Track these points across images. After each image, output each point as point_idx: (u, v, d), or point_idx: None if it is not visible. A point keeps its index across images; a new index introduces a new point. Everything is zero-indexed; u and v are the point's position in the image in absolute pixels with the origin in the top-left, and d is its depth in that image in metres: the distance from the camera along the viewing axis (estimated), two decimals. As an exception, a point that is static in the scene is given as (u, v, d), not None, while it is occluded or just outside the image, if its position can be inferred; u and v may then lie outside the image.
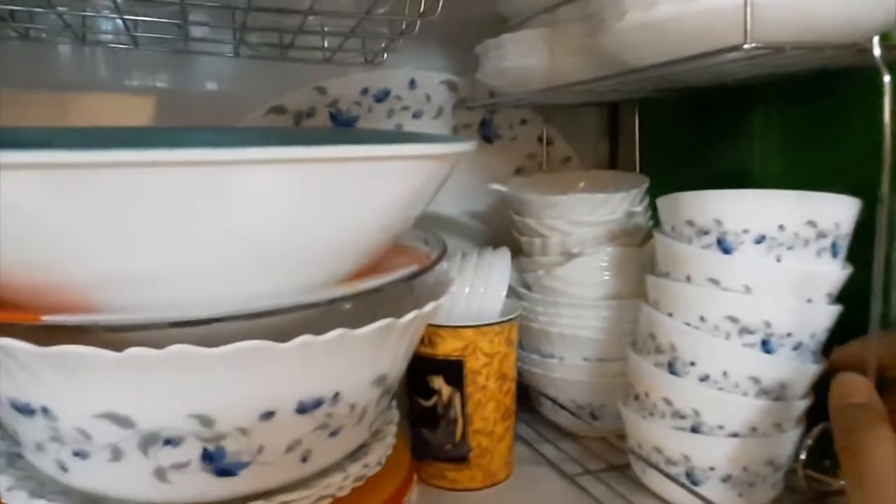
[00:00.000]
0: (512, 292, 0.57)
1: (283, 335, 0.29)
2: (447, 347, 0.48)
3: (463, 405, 0.49)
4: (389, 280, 0.34)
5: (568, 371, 0.56)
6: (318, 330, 0.30)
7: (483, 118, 0.70)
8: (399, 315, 0.34)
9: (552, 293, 0.56)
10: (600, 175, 0.65)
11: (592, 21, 0.43)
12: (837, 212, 0.41)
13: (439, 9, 0.42)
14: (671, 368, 0.44)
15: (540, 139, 0.72)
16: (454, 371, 0.49)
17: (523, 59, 0.51)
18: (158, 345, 0.28)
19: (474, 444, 0.50)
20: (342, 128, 0.62)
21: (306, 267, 0.32)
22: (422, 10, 0.43)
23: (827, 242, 0.41)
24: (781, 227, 0.40)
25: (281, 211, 0.29)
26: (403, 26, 0.46)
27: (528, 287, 0.59)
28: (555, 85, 0.50)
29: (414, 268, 0.37)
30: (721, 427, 0.42)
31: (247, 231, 0.29)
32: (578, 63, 0.48)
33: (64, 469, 0.32)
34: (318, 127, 0.61)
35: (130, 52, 0.56)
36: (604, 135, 0.77)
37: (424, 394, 0.50)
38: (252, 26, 0.46)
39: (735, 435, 0.42)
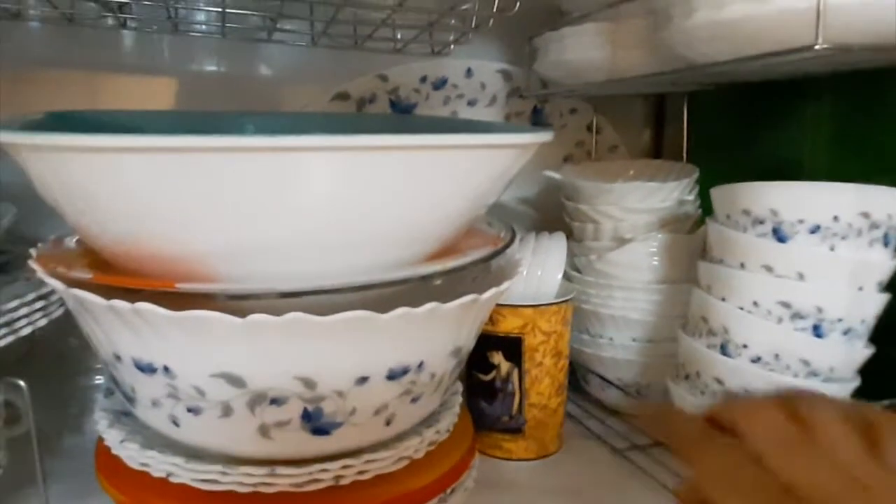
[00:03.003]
0: (564, 275, 0.59)
1: (370, 308, 0.32)
2: (508, 325, 0.51)
3: (520, 380, 0.52)
4: (474, 259, 0.37)
5: (617, 351, 0.59)
6: (404, 304, 0.33)
7: (535, 107, 0.72)
8: (479, 291, 0.36)
9: (604, 276, 0.59)
10: (649, 164, 0.67)
11: (656, 17, 0.45)
12: (891, 204, 0.43)
13: (517, 6, 0.45)
14: (723, 350, 0.46)
15: (589, 128, 0.74)
16: (513, 347, 0.52)
17: (585, 51, 0.53)
18: (270, 312, 0.31)
19: (529, 416, 0.53)
20: (411, 115, 0.65)
21: (399, 245, 0.35)
22: (497, 7, 0.45)
23: (879, 233, 0.43)
24: (836, 218, 0.42)
25: (382, 194, 0.32)
26: (474, 23, 0.48)
27: (578, 270, 0.62)
28: (616, 78, 0.52)
29: (492, 248, 0.40)
30: (771, 406, 0.44)
31: (350, 212, 0.32)
32: (640, 57, 0.50)
33: (176, 424, 0.35)
34: (386, 114, 0.64)
35: (192, 38, 0.59)
36: (650, 124, 0.79)
37: (484, 368, 0.53)
38: (337, 20, 0.49)
39: (784, 414, 0.44)
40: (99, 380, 0.53)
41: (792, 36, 0.34)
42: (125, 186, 0.28)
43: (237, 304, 0.32)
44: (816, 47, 0.33)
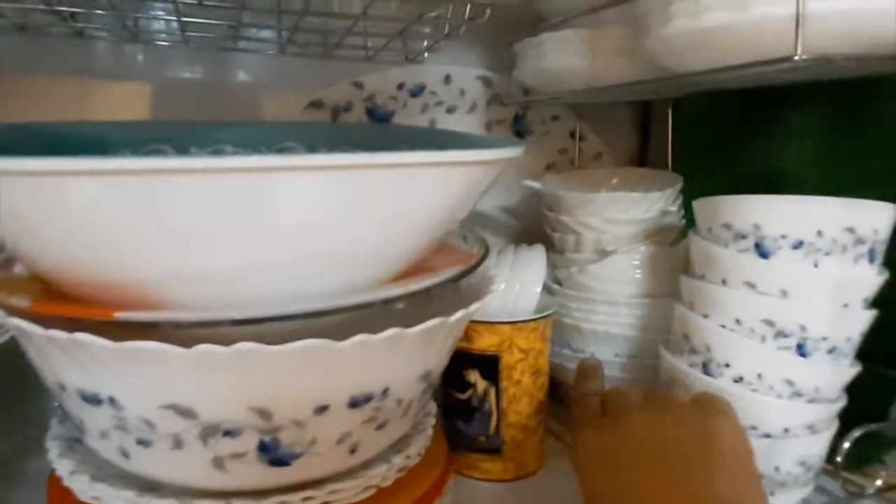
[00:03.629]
0: (544, 288, 0.58)
1: (330, 333, 0.30)
2: (484, 342, 0.50)
3: (498, 399, 0.51)
4: (440, 280, 0.35)
5: (599, 367, 0.57)
6: (363, 328, 0.31)
7: (516, 114, 0.70)
8: (446, 313, 0.35)
9: (585, 290, 0.57)
10: (633, 172, 0.66)
11: (636, 24, 0.44)
12: (877, 218, 0.41)
13: (487, 14, 0.43)
14: (706, 369, 0.45)
15: (572, 135, 0.72)
16: (490, 366, 0.50)
17: (564, 58, 0.52)
18: (220, 340, 0.29)
19: (508, 436, 0.51)
20: (387, 124, 0.63)
21: (358, 267, 0.33)
22: (469, 15, 0.44)
23: (865, 248, 0.41)
24: (820, 233, 0.41)
25: (337, 214, 0.30)
26: (446, 31, 0.47)
27: (559, 283, 0.60)
28: (596, 86, 0.50)
29: (461, 267, 0.38)
30: (754, 428, 0.43)
31: (302, 233, 0.30)
32: (620, 65, 0.49)
33: (126, 455, 0.34)
34: (362, 123, 0.62)
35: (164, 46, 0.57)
36: (635, 131, 0.78)
37: (460, 387, 0.51)
38: (301, 28, 0.47)
39: (768, 436, 0.43)
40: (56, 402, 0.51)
41: (771, 46, 0.33)
42: (62, 211, 0.26)
43: (186, 332, 0.30)
44: (796, 58, 0.32)
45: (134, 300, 0.30)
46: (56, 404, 0.53)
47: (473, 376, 0.50)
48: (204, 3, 0.41)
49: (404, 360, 0.35)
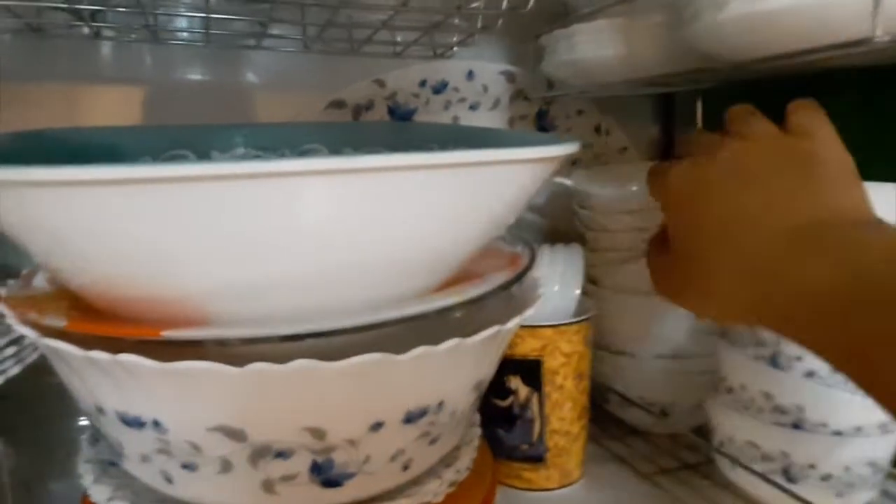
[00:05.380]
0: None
1: (383, 346, 0.28)
2: (525, 347, 0.48)
3: (541, 405, 0.49)
4: (495, 286, 0.33)
5: (640, 368, 0.55)
6: (416, 339, 0.29)
7: (539, 109, 0.68)
8: (501, 320, 0.33)
9: (622, 289, 0.55)
10: (664, 166, 0.64)
11: (679, 12, 0.42)
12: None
13: (530, 4, 0.41)
14: (774, 362, 0.43)
15: (596, 129, 0.70)
16: (532, 371, 0.48)
17: (597, 49, 0.50)
18: (267, 357, 0.27)
19: (551, 444, 0.49)
20: (412, 122, 0.61)
21: (413, 275, 0.31)
22: (508, 5, 0.41)
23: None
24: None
25: (395, 219, 0.28)
26: (480, 24, 0.45)
27: (594, 282, 0.58)
28: (632, 78, 0.48)
29: (511, 272, 0.36)
30: (825, 425, 0.41)
31: (359, 241, 0.28)
32: (659, 55, 0.46)
33: (169, 480, 0.32)
34: (385, 122, 0.60)
35: (177, 45, 0.55)
36: (657, 124, 0.76)
37: (501, 394, 0.49)
38: (333, 22, 0.45)
39: (839, 433, 0.41)
40: (83, 421, 0.49)
41: (844, 28, 0.31)
42: (100, 223, 0.24)
43: (231, 349, 0.28)
44: (875, 39, 0.30)
45: (175, 316, 0.28)
46: (84, 423, 0.51)
47: (515, 382, 0.48)
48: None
49: (460, 370, 0.33)
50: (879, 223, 0.31)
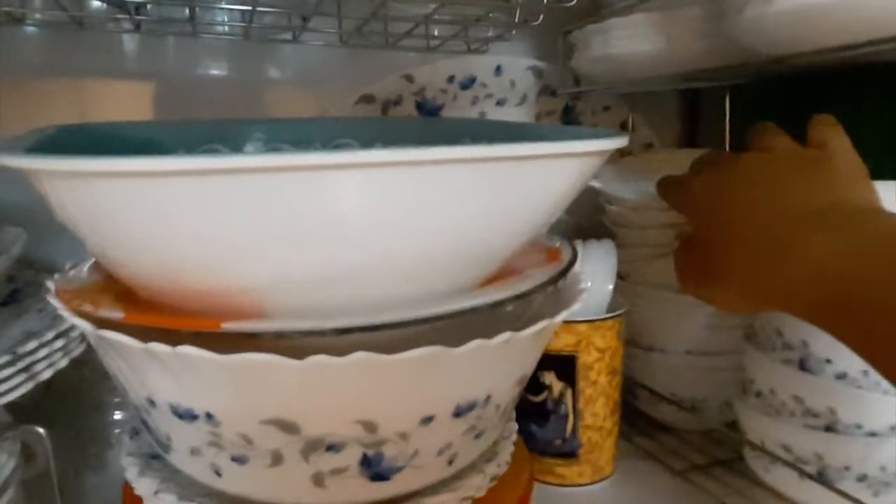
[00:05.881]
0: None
1: (433, 339, 0.28)
2: (560, 343, 0.47)
3: (574, 401, 0.49)
4: (544, 280, 0.33)
5: (670, 364, 0.55)
6: (467, 333, 0.29)
7: (566, 105, 0.68)
8: (550, 314, 0.33)
9: (653, 285, 0.55)
10: (691, 155, 0.63)
11: (720, 4, 0.41)
12: None
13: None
14: (803, 365, 0.42)
15: (623, 125, 0.70)
16: (566, 366, 0.48)
17: (633, 44, 0.49)
18: (324, 350, 0.27)
19: (584, 439, 0.49)
20: (442, 118, 0.61)
21: (465, 269, 0.31)
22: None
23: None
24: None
25: (451, 212, 0.28)
26: (518, 17, 0.44)
27: (623, 277, 0.58)
28: (669, 73, 0.48)
29: (557, 266, 0.36)
30: (859, 426, 0.41)
31: (414, 234, 0.28)
32: (698, 49, 0.46)
33: (218, 474, 0.31)
34: (414, 117, 0.60)
35: (202, 40, 0.55)
36: (682, 119, 0.76)
37: (534, 389, 0.49)
38: (377, 15, 0.45)
39: (873, 434, 0.41)
40: (118, 415, 0.50)
41: (886, 21, 0.31)
42: (158, 213, 0.24)
43: (286, 342, 0.28)
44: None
45: (231, 308, 0.28)
46: (118, 417, 0.52)
47: (549, 378, 0.48)
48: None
49: (508, 364, 0.33)
50: (885, 211, 0.34)
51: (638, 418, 0.59)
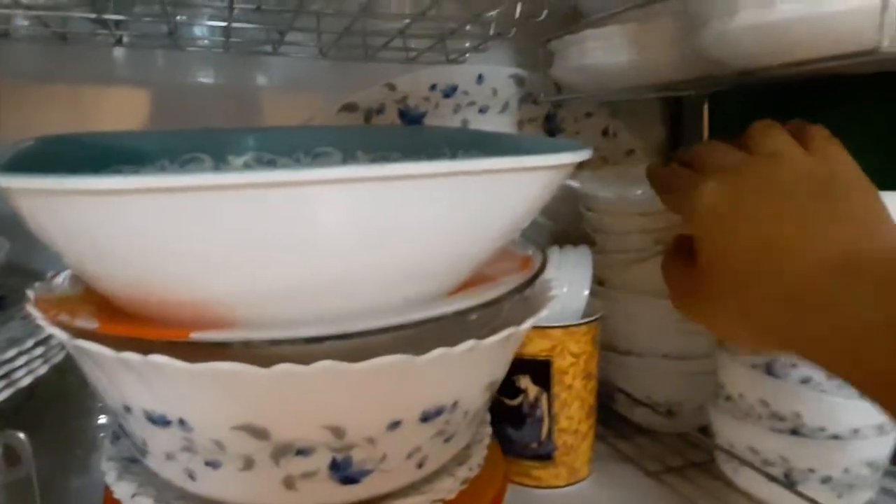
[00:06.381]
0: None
1: (401, 347, 0.29)
2: (535, 348, 0.48)
3: (549, 405, 0.50)
4: (510, 289, 0.34)
5: (646, 368, 0.56)
6: (434, 341, 0.30)
7: (548, 112, 0.69)
8: (516, 322, 0.34)
9: (630, 290, 0.56)
10: (670, 168, 0.64)
11: (689, 18, 0.42)
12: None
13: (544, 14, 0.42)
14: (769, 370, 0.43)
15: (604, 132, 0.71)
16: (541, 371, 0.49)
17: (608, 56, 0.50)
18: (292, 359, 0.28)
19: (559, 442, 0.50)
20: (423, 126, 0.62)
21: (430, 278, 0.32)
22: (521, 13, 0.42)
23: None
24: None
25: (415, 225, 0.29)
26: (493, 31, 0.46)
27: (602, 283, 0.59)
28: (643, 83, 0.49)
29: (526, 274, 0.37)
30: (822, 429, 0.42)
31: (380, 246, 0.29)
32: (670, 61, 0.47)
33: (192, 477, 0.32)
34: (397, 126, 0.61)
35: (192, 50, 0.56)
36: (664, 125, 0.77)
37: (510, 393, 0.50)
38: (351, 30, 0.46)
39: (836, 437, 0.42)
40: (102, 420, 0.51)
41: (851, 38, 0.32)
42: (133, 229, 0.25)
43: (255, 351, 0.29)
44: (881, 50, 0.30)
45: (203, 318, 0.29)
46: (102, 422, 0.53)
47: (524, 382, 0.49)
48: (262, 7, 0.39)
49: (475, 371, 0.34)
50: None
51: (616, 421, 0.60)
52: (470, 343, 0.30)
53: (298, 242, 0.28)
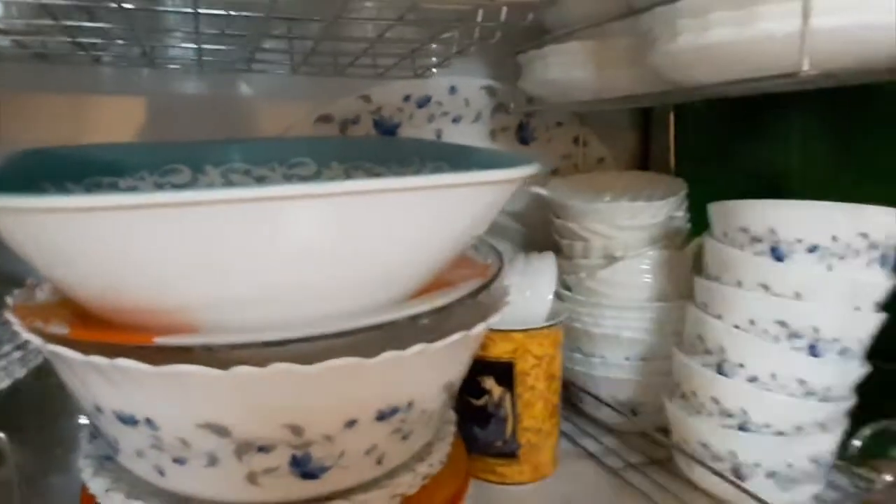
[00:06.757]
0: (554, 294, 0.59)
1: (357, 349, 0.31)
2: (498, 350, 0.51)
3: (513, 405, 0.52)
4: (461, 295, 0.36)
5: (610, 370, 0.58)
6: (389, 344, 0.32)
7: (520, 122, 0.71)
8: (467, 326, 0.36)
9: (595, 295, 0.58)
10: (638, 176, 0.67)
11: (641, 38, 0.45)
12: (889, 224, 0.42)
13: (497, 36, 0.44)
14: (720, 369, 0.46)
15: (575, 141, 0.73)
16: (505, 372, 0.51)
17: (569, 70, 0.53)
18: (252, 362, 0.30)
19: (523, 440, 0.52)
20: (396, 137, 0.64)
21: (384, 286, 0.34)
22: (479, 35, 0.45)
23: (877, 254, 0.42)
24: (834, 238, 0.42)
25: (365, 238, 0.31)
26: (455, 49, 0.48)
27: (569, 288, 0.61)
28: (602, 97, 0.51)
29: (479, 280, 0.39)
30: (768, 426, 0.44)
31: (333, 258, 0.31)
32: (625, 76, 0.49)
33: (161, 473, 0.34)
34: (371, 137, 0.63)
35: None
36: (636, 135, 0.79)
37: (476, 393, 0.52)
38: (316, 51, 0.48)
39: (781, 433, 0.44)
40: (83, 420, 0.52)
41: (776, 61, 0.34)
42: (99, 243, 0.27)
43: (218, 354, 0.31)
44: (801, 74, 0.33)
45: (167, 324, 0.31)
46: (83, 422, 0.54)
47: (489, 383, 0.51)
48: (226, 32, 0.42)
49: (428, 372, 0.36)
50: None
51: (584, 422, 0.62)
52: (419, 346, 0.32)
53: (255, 256, 0.30)
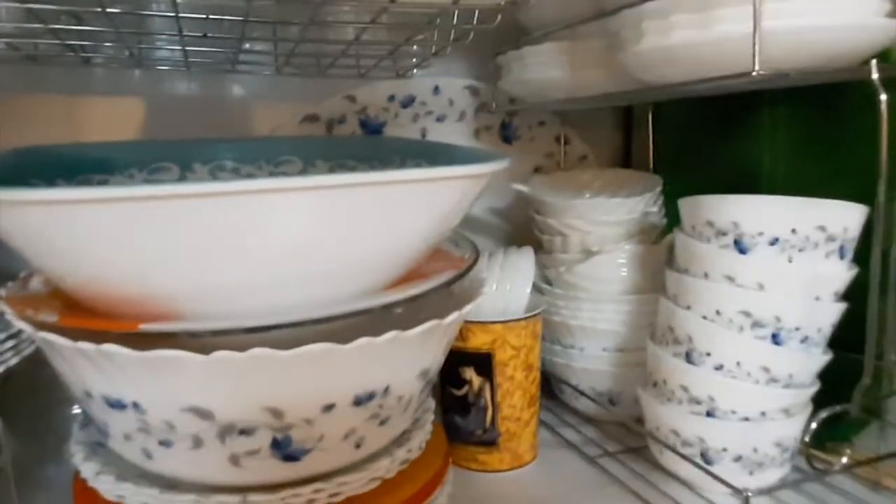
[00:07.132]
0: (534, 287, 0.60)
1: (336, 337, 0.33)
2: (477, 341, 0.52)
3: (492, 394, 0.53)
4: (434, 285, 0.38)
5: (588, 361, 0.60)
6: (367, 331, 0.34)
7: (503, 120, 0.73)
8: (441, 315, 0.37)
9: (573, 288, 0.60)
10: (617, 174, 0.68)
11: (613, 39, 0.46)
12: (846, 217, 0.44)
13: (470, 37, 0.46)
14: (688, 358, 0.47)
15: (557, 139, 0.75)
16: (484, 363, 0.53)
17: (545, 70, 0.54)
18: (234, 347, 0.32)
19: (503, 429, 0.54)
20: (380, 136, 0.66)
21: (360, 277, 0.36)
22: (454, 37, 0.46)
23: (835, 245, 0.44)
24: (794, 231, 0.44)
25: (341, 231, 0.33)
26: (433, 50, 0.49)
27: (549, 282, 0.63)
28: (576, 96, 0.53)
29: (453, 272, 0.41)
30: (734, 412, 0.46)
31: (306, 249, 0.33)
32: (598, 76, 0.51)
33: (148, 456, 0.36)
34: (356, 136, 0.65)
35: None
36: (618, 133, 0.81)
37: (456, 383, 0.54)
38: (297, 52, 0.50)
39: (746, 419, 0.46)
40: (76, 409, 0.54)
41: (732, 61, 0.36)
42: (85, 235, 0.29)
43: (202, 340, 0.33)
44: (754, 73, 0.34)
45: (153, 312, 0.33)
46: (76, 411, 0.56)
47: (469, 373, 0.53)
48: (208, 35, 0.43)
49: (404, 359, 0.37)
50: None
51: (565, 412, 0.64)
52: (392, 334, 0.34)
53: (236, 248, 0.32)
